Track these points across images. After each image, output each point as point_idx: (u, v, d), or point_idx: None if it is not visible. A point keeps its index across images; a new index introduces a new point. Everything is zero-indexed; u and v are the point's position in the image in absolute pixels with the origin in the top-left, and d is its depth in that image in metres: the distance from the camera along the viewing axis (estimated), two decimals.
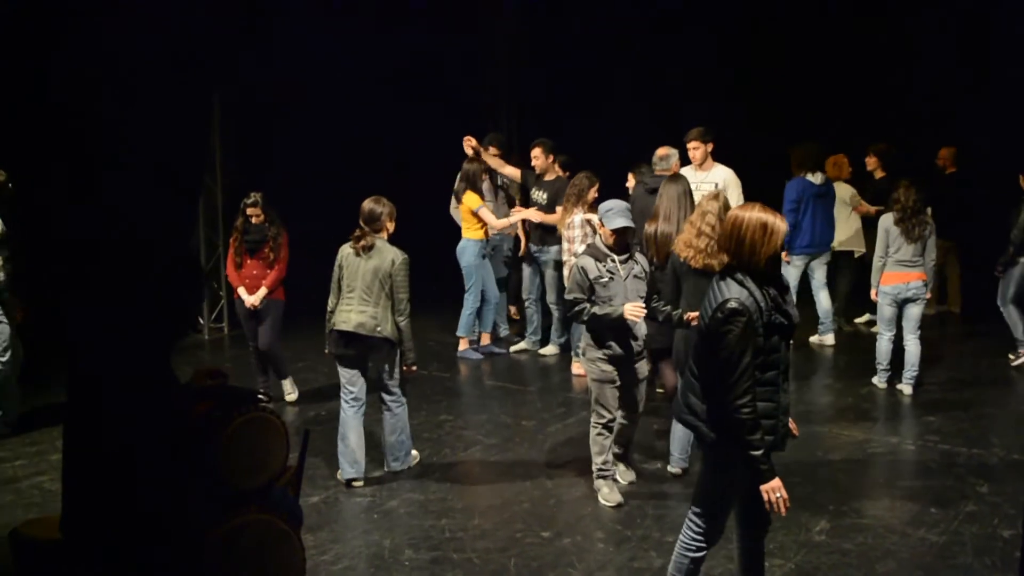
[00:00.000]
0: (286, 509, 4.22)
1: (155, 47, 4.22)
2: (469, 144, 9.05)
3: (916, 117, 11.21)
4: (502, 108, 12.93)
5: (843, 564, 5.01)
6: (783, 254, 8.15)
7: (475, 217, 9.00)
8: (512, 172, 9.34)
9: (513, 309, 10.59)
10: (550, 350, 9.36)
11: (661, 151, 7.83)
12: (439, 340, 9.78)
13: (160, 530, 3.61)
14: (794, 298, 5.78)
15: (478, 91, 12.77)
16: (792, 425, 4.18)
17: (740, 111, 11.64)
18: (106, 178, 4.16)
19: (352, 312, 6.00)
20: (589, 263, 5.64)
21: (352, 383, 6.17)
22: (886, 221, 7.80)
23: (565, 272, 8.29)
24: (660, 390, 7.36)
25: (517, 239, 9.87)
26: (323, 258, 10.15)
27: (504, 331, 10.06)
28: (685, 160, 8.29)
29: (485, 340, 9.49)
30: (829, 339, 9.52)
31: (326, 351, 6.32)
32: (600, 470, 5.86)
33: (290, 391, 7.96)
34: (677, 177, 6.64)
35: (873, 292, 7.97)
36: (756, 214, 3.90)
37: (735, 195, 8.05)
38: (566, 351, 9.12)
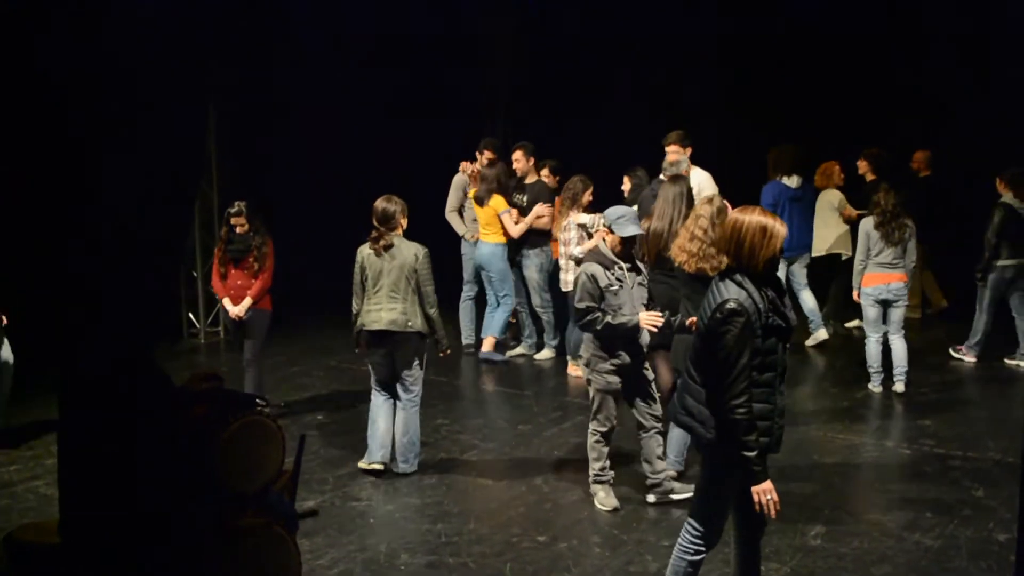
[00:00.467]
0: (282, 513, 4.23)
1: (156, 49, 4.25)
2: (468, 169, 9.06)
3: (915, 119, 11.21)
4: (501, 108, 12.91)
5: (839, 568, 5.01)
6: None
7: (499, 220, 8.89)
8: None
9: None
10: (546, 354, 9.29)
11: (671, 157, 7.75)
12: None
13: (158, 534, 3.61)
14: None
15: (478, 92, 12.77)
16: None
17: (740, 113, 11.67)
18: (106, 179, 4.18)
19: (382, 311, 6.13)
20: (598, 271, 5.57)
21: (383, 382, 6.36)
22: (867, 224, 7.91)
23: (562, 277, 8.29)
24: (659, 392, 7.34)
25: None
26: (323, 260, 10.27)
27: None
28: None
29: (488, 346, 9.29)
30: (822, 334, 9.54)
31: (356, 350, 6.49)
32: (597, 475, 5.86)
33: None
34: (678, 178, 6.66)
35: (855, 294, 8.09)
36: (756, 217, 3.94)
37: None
38: (561, 354, 9.09)
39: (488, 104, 12.82)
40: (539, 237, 8.96)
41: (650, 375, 5.87)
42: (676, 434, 6.09)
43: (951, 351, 9.02)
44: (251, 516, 4.04)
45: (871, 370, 8.06)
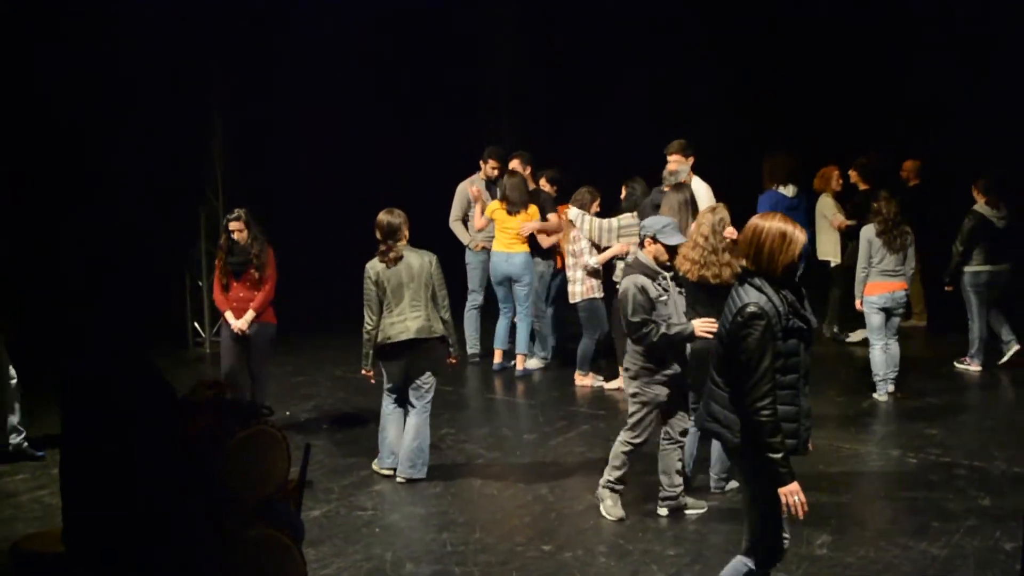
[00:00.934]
0: (288, 523, 4.21)
1: (156, 49, 4.22)
2: (475, 193, 8.93)
3: (915, 119, 11.21)
4: (502, 109, 12.89)
5: None
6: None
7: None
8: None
9: None
10: (535, 364, 9.02)
11: (672, 166, 7.71)
12: None
13: (159, 536, 3.59)
14: None
15: (478, 92, 12.74)
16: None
17: (739, 116, 11.66)
18: (106, 179, 4.15)
19: (408, 321, 6.19)
20: (647, 283, 5.48)
21: (396, 390, 6.41)
22: (868, 232, 7.89)
23: (571, 288, 8.20)
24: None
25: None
26: (323, 263, 10.23)
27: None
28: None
29: (499, 357, 9.08)
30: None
31: (363, 370, 6.43)
32: (611, 483, 5.75)
33: None
34: (681, 186, 6.64)
35: (858, 303, 8.06)
36: (776, 223, 3.99)
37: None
38: (562, 366, 9.01)
39: (488, 104, 12.81)
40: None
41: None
42: (717, 449, 5.91)
43: (955, 364, 8.93)
44: (257, 525, 4.02)
45: (876, 379, 8.03)
